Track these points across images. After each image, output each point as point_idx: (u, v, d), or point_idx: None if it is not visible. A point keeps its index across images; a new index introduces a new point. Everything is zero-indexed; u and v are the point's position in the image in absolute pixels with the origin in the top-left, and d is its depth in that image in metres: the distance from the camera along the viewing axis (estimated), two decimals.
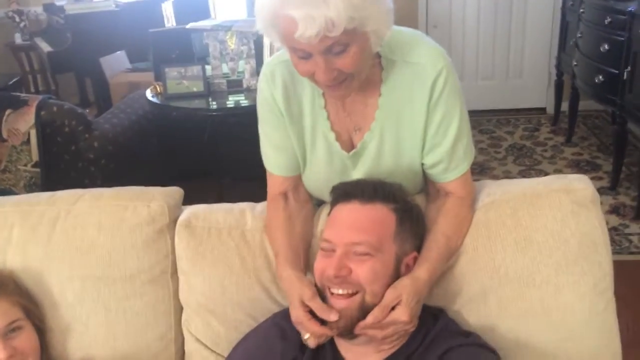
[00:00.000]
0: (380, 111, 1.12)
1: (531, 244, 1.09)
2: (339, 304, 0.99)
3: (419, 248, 1.08)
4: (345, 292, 0.99)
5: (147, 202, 1.22)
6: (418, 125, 1.11)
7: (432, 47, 1.11)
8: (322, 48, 0.94)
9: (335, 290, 1.00)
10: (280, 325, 1.11)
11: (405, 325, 0.99)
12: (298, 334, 1.07)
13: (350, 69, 0.99)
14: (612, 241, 2.70)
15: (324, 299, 1.01)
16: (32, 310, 1.16)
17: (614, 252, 2.65)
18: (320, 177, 1.19)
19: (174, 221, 1.24)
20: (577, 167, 3.52)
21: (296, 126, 1.16)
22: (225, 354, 1.17)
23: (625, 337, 1.15)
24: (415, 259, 1.06)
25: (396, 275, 1.02)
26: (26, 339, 1.11)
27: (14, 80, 4.56)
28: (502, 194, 1.16)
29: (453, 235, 1.11)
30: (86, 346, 1.20)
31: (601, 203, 3.17)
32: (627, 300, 1.18)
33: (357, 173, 1.17)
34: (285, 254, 1.12)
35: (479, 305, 1.11)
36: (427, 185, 1.21)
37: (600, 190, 3.14)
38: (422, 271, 1.03)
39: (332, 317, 0.98)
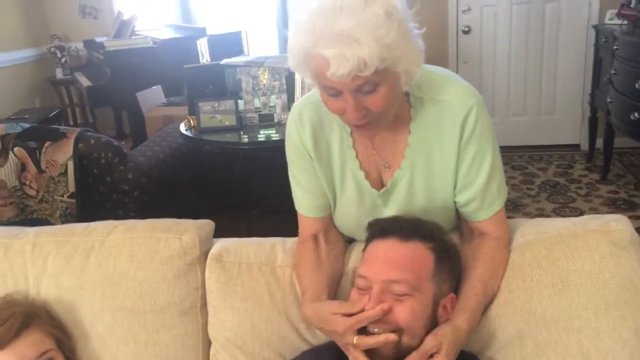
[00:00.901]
0: (410, 149, 1.11)
1: (568, 287, 1.06)
2: (373, 339, 0.96)
3: (456, 289, 1.06)
4: (382, 331, 0.96)
5: (179, 234, 1.23)
6: (449, 163, 1.10)
7: (461, 85, 1.11)
8: (353, 87, 0.95)
9: (372, 330, 0.97)
10: None
11: None
12: None
13: (379, 109, 0.99)
14: None
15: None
16: (64, 341, 1.17)
17: None
18: (351, 216, 1.19)
19: (205, 254, 1.24)
20: (614, 205, 3.43)
21: (325, 167, 1.16)
22: None
23: None
24: (452, 301, 1.04)
25: (434, 317, 1.00)
26: None
27: (54, 113, 4.71)
28: (537, 234, 1.14)
29: (490, 280, 1.08)
30: None
31: None
32: None
33: (389, 211, 1.16)
34: (311, 293, 1.11)
35: (514, 349, 1.07)
36: (462, 224, 1.19)
37: (639, 230, 3.05)
38: (462, 321, 1.01)
39: (358, 305, 0.97)
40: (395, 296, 0.97)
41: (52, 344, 1.13)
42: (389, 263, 1.00)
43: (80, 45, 5.04)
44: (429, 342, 0.97)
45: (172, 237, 1.23)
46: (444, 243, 1.06)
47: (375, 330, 0.97)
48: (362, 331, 0.97)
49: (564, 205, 3.50)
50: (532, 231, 1.15)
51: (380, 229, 1.06)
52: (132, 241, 1.24)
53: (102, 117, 5.13)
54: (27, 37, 5.05)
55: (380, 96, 0.97)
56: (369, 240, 1.08)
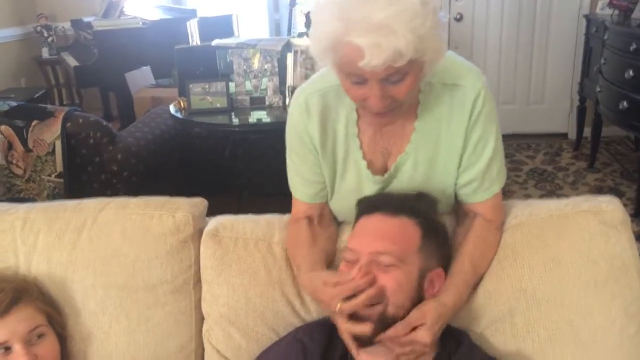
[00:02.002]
0: (416, 133, 1.11)
1: (559, 265, 1.07)
2: (354, 326, 0.97)
3: (445, 266, 1.07)
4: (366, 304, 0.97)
5: (173, 212, 1.22)
6: (456, 146, 1.10)
7: (468, 67, 1.11)
8: (382, 76, 0.93)
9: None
10: (302, 341, 1.09)
11: (423, 347, 0.98)
12: (319, 350, 1.06)
13: (403, 98, 0.98)
14: None
15: None
16: (55, 317, 1.16)
17: None
18: (348, 204, 1.18)
19: (198, 231, 1.24)
20: (600, 193, 3.47)
21: (329, 157, 1.15)
22: None
23: None
24: (439, 276, 1.05)
25: (419, 290, 1.01)
26: (48, 346, 1.10)
27: (40, 93, 4.65)
28: (529, 215, 1.15)
29: (479, 261, 1.10)
30: (107, 355, 1.20)
31: None
32: None
33: None
34: (307, 265, 1.11)
35: (505, 326, 1.08)
36: (457, 208, 1.20)
37: None
38: (448, 297, 1.02)
39: (347, 276, 0.98)
40: (382, 267, 0.98)
41: (43, 320, 1.12)
42: (376, 235, 1.02)
43: (67, 25, 4.96)
44: (413, 314, 0.98)
45: (165, 214, 1.22)
46: (431, 220, 1.07)
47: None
48: (350, 299, 0.97)
49: (551, 192, 3.54)
50: (524, 212, 1.16)
51: (369, 205, 1.07)
52: (125, 218, 1.23)
53: (89, 98, 5.07)
54: (13, 15, 4.96)
55: (405, 85, 0.96)
56: (358, 216, 1.09)
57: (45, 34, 5.04)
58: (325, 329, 1.10)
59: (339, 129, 1.14)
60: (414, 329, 0.97)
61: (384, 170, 1.15)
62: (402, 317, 0.98)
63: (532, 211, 1.16)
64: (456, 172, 1.12)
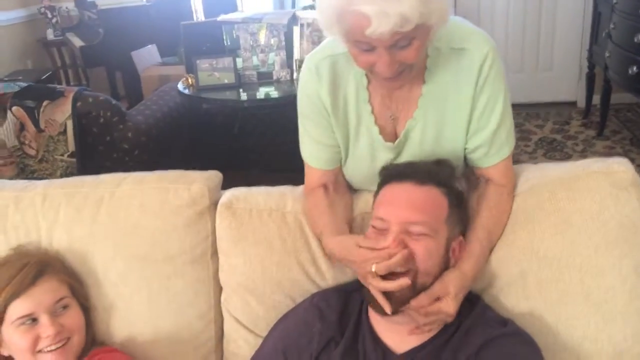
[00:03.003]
0: (424, 98, 1.12)
1: (570, 227, 1.09)
2: (392, 283, 0.98)
3: (463, 233, 1.09)
4: (398, 270, 0.98)
5: (188, 184, 1.25)
6: (464, 110, 1.11)
7: (476, 31, 1.11)
8: (390, 42, 0.94)
9: None
10: (318, 306, 1.12)
11: (448, 317, 1.00)
12: (335, 315, 1.09)
13: (411, 61, 0.99)
14: None
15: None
16: (78, 289, 1.19)
17: None
18: (362, 170, 1.20)
19: (214, 204, 1.26)
20: None
21: (341, 122, 1.16)
22: (264, 334, 1.19)
23: None
24: (460, 243, 1.07)
25: (446, 257, 1.04)
26: (73, 317, 1.14)
27: (47, 75, 4.66)
28: (540, 177, 1.16)
29: (494, 227, 1.12)
30: (129, 324, 1.24)
31: None
32: None
33: (400, 160, 1.17)
34: (331, 230, 1.13)
35: (517, 288, 1.11)
36: (469, 173, 1.21)
37: None
38: (469, 266, 1.05)
39: (383, 243, 0.99)
40: (413, 236, 1.00)
41: (67, 292, 1.15)
42: (408, 205, 1.02)
43: (71, 5, 4.95)
44: (437, 286, 1.00)
45: (181, 187, 1.25)
46: (454, 189, 1.09)
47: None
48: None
49: (561, 161, 3.53)
50: (536, 175, 1.17)
51: (397, 172, 1.08)
52: (142, 192, 1.25)
53: (96, 79, 5.07)
54: None
55: (413, 49, 0.96)
56: (383, 183, 1.09)
57: (50, 15, 5.02)
58: (341, 295, 1.13)
59: (349, 95, 1.15)
60: (437, 299, 1.00)
61: (394, 136, 1.16)
62: (430, 285, 1.00)
63: (543, 174, 1.18)
64: (465, 137, 1.14)
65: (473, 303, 1.07)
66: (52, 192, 1.28)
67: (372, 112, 1.15)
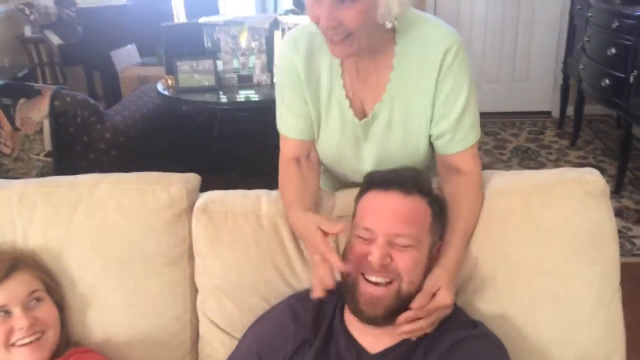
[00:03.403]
0: (391, 83, 1.18)
1: (542, 232, 1.12)
2: (377, 292, 1.01)
3: (442, 236, 1.11)
4: (382, 280, 1.01)
5: (167, 186, 1.25)
6: (427, 95, 1.16)
7: (444, 25, 1.18)
8: None
9: (371, 278, 1.01)
10: (293, 307, 1.14)
11: (446, 309, 1.03)
12: (310, 316, 1.10)
13: (351, 25, 1.04)
14: None
15: (352, 285, 1.04)
16: (52, 286, 1.18)
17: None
18: (332, 143, 1.25)
19: (192, 206, 1.26)
20: None
21: (313, 92, 1.22)
22: (239, 336, 1.20)
23: (627, 340, 1.16)
24: (439, 248, 1.10)
25: (428, 264, 1.06)
26: (47, 311, 1.13)
27: (23, 72, 4.59)
28: (515, 182, 1.19)
29: (469, 217, 1.15)
30: (105, 325, 1.23)
31: None
32: (629, 303, 1.20)
33: (368, 144, 1.23)
34: (298, 206, 1.16)
35: (489, 291, 1.13)
36: (438, 166, 1.25)
37: None
38: (451, 261, 1.08)
39: (337, 228, 1.04)
40: (399, 248, 1.02)
41: (41, 286, 1.15)
42: (395, 216, 1.03)
43: (49, 3, 4.89)
44: (428, 283, 1.04)
45: (159, 189, 1.25)
46: (436, 196, 1.11)
47: (373, 279, 1.01)
48: (364, 276, 1.02)
49: (535, 170, 3.60)
50: (511, 179, 1.21)
51: (381, 180, 1.09)
52: (120, 193, 1.25)
53: (73, 78, 5.01)
54: None
55: (354, 11, 1.02)
56: (366, 189, 1.10)
57: (28, 12, 4.95)
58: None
59: (323, 69, 1.21)
60: (433, 295, 1.03)
61: (362, 116, 1.22)
62: (415, 293, 1.02)
63: (518, 179, 1.21)
64: (429, 123, 1.18)
65: None
66: (28, 191, 1.27)
67: (344, 85, 1.20)
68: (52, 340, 1.13)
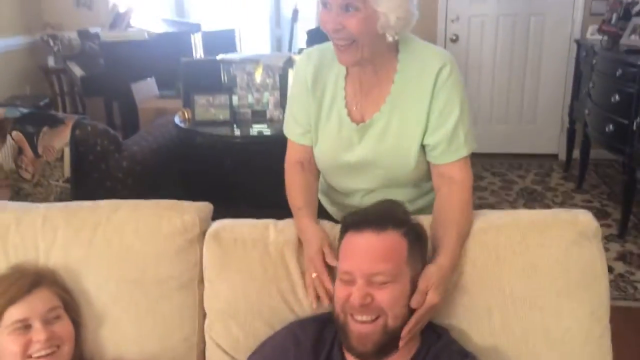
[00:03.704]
0: (391, 96, 1.31)
1: (536, 270, 1.18)
2: (364, 329, 1.06)
3: (425, 264, 1.16)
4: (368, 318, 1.06)
5: (181, 213, 1.33)
6: (423, 107, 1.29)
7: (441, 50, 1.35)
8: (339, 0, 1.17)
9: (358, 317, 1.07)
10: (295, 334, 1.19)
11: (434, 308, 1.11)
12: (310, 342, 1.16)
13: (353, 31, 1.19)
14: (618, 288, 2.76)
15: (342, 324, 1.09)
16: (70, 303, 1.25)
17: (620, 299, 2.70)
18: (328, 148, 1.38)
19: (203, 233, 1.34)
20: None
21: (317, 100, 1.37)
22: (243, 359, 1.25)
23: None
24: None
25: (412, 295, 1.10)
26: (64, 327, 1.20)
27: (44, 101, 4.75)
28: (512, 220, 1.26)
29: (461, 220, 1.23)
30: (116, 342, 1.29)
31: (609, 250, 3.25)
32: (632, 347, 1.24)
33: (361, 147, 1.34)
34: (306, 210, 1.32)
35: (484, 323, 1.19)
36: (432, 176, 1.35)
37: (609, 237, 3.20)
38: (444, 258, 1.16)
39: (333, 262, 1.17)
40: (378, 285, 1.07)
41: (60, 304, 1.22)
42: (369, 257, 1.08)
43: (73, 35, 5.07)
44: (421, 283, 1.11)
45: (174, 215, 1.32)
46: (413, 225, 1.15)
47: (364, 317, 1.07)
48: (352, 316, 1.08)
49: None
50: (508, 217, 1.27)
51: (355, 221, 1.13)
52: (137, 218, 1.33)
53: (92, 108, 5.16)
54: (20, 24, 5.07)
55: (357, 19, 1.18)
56: (344, 231, 1.16)
57: (52, 43, 5.14)
58: (318, 324, 1.20)
59: (329, 79, 1.36)
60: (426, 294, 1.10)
61: (361, 122, 1.34)
62: (402, 325, 1.07)
63: (515, 217, 1.28)
64: (423, 132, 1.30)
65: (440, 335, 1.15)
66: (52, 214, 1.35)
67: (345, 97, 1.35)
68: (67, 354, 1.19)
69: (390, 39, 1.23)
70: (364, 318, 1.06)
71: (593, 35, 3.88)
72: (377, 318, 1.06)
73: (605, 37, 3.62)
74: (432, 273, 1.12)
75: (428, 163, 1.35)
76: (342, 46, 1.23)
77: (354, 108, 1.35)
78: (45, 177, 2.62)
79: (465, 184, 1.29)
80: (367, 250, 1.09)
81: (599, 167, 4.29)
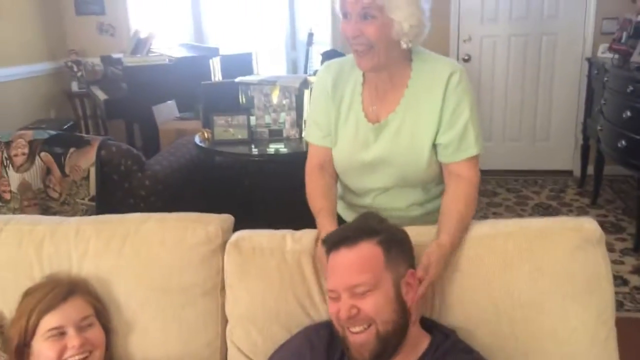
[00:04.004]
0: (405, 98, 1.42)
1: (543, 275, 1.23)
2: (359, 339, 1.12)
3: (413, 265, 1.21)
4: (360, 328, 1.12)
5: (205, 225, 1.41)
6: (435, 109, 1.39)
7: (452, 60, 1.47)
8: (358, 10, 1.28)
9: (352, 329, 1.13)
10: (310, 338, 1.26)
11: (433, 281, 1.21)
12: (324, 347, 1.22)
13: (371, 37, 1.30)
14: (634, 300, 2.77)
15: (342, 337, 1.15)
16: (102, 311, 1.33)
17: (635, 310, 2.71)
18: (345, 148, 1.48)
19: (225, 243, 1.41)
20: (602, 228, 3.56)
21: (336, 104, 1.48)
22: None
23: None
24: (413, 275, 1.18)
25: (399, 298, 1.14)
26: (95, 333, 1.28)
27: (69, 124, 4.91)
28: (520, 228, 1.31)
29: (464, 211, 1.32)
30: (144, 348, 1.37)
31: (624, 263, 3.25)
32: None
33: (377, 146, 1.44)
34: (326, 211, 1.41)
35: (491, 325, 1.24)
36: (444, 175, 1.45)
37: (624, 251, 3.21)
38: (445, 238, 1.26)
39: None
40: (360, 296, 1.12)
41: (92, 312, 1.30)
42: (346, 271, 1.13)
43: (96, 60, 5.26)
44: (424, 258, 1.21)
45: (199, 227, 1.40)
46: (388, 229, 1.19)
47: (356, 328, 1.12)
48: (347, 328, 1.13)
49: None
50: (516, 225, 1.33)
51: (332, 242, 1.19)
52: (163, 229, 1.41)
53: (114, 130, 5.31)
54: (45, 51, 5.27)
55: (374, 27, 1.29)
56: (327, 253, 1.20)
57: (75, 69, 5.33)
58: (330, 329, 1.26)
59: (347, 88, 1.48)
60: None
61: (377, 121, 1.44)
62: (393, 330, 1.12)
63: (522, 224, 1.33)
64: (435, 132, 1.40)
65: (448, 336, 1.20)
66: (83, 226, 1.44)
67: (362, 102, 1.47)
68: (98, 359, 1.27)
69: (404, 45, 1.34)
70: (357, 329, 1.12)
71: (604, 54, 3.93)
72: (369, 326, 1.12)
73: (616, 56, 3.68)
74: (433, 250, 1.22)
75: (439, 165, 1.44)
76: (361, 51, 1.34)
77: (370, 110, 1.45)
78: (71, 195, 2.73)
79: (473, 181, 1.39)
80: (344, 266, 1.14)
81: (614, 183, 4.31)
